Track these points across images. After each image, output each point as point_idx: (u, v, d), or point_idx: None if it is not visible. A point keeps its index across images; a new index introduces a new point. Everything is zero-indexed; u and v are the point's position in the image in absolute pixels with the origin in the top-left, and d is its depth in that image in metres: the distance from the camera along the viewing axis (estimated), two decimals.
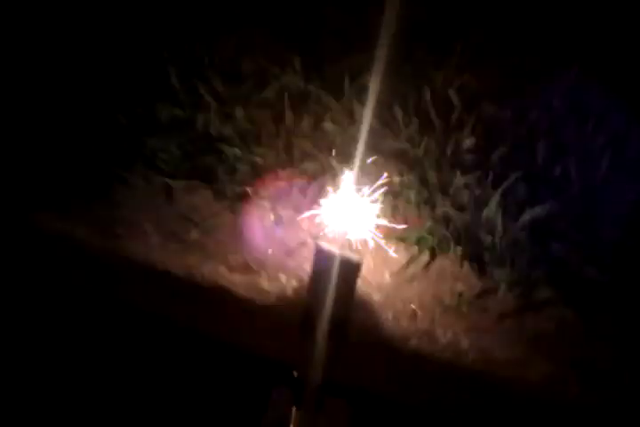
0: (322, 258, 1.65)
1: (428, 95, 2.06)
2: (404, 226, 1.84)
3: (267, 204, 1.93)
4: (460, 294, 1.70)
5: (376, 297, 1.71)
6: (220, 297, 1.74)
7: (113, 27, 2.26)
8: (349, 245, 1.70)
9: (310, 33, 2.22)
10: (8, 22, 2.21)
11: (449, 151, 1.93)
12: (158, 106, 2.10)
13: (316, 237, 1.79)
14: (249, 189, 1.96)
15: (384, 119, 2.01)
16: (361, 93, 2.06)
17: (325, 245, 1.66)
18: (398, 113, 2.01)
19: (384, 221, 1.86)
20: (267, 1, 2.33)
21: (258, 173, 2.00)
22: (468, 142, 1.92)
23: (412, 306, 1.68)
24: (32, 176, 1.95)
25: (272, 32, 2.29)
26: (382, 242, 1.84)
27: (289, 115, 2.07)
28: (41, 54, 2.19)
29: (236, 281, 1.75)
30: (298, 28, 2.23)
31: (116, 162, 1.98)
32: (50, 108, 2.09)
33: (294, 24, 2.25)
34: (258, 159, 2.01)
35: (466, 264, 1.75)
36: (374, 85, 2.06)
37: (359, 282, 1.72)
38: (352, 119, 2.04)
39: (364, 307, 1.69)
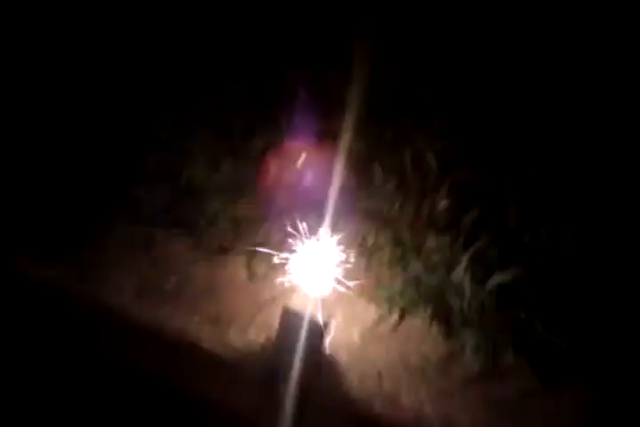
0: (290, 319, 1.68)
1: (407, 157, 2.12)
2: (375, 286, 1.88)
3: (243, 258, 1.96)
4: (427, 357, 1.70)
5: (343, 357, 1.72)
6: (188, 349, 1.75)
7: (105, 77, 2.34)
8: (319, 303, 1.73)
9: (293, 91, 2.30)
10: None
11: (424, 212, 1.97)
12: (146, 155, 2.17)
13: (286, 295, 1.84)
14: (227, 242, 2.00)
15: (362, 178, 2.07)
16: (342, 153, 2.13)
17: (293, 307, 1.69)
18: (377, 172, 2.06)
19: (356, 280, 1.90)
20: (252, 62, 2.42)
21: (237, 226, 2.04)
22: (443, 204, 1.97)
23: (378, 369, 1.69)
24: (14, 220, 1.99)
25: (258, 90, 2.38)
26: (353, 300, 1.87)
27: (272, 170, 2.13)
28: (33, 101, 2.27)
29: (205, 334, 1.76)
30: (281, 88, 2.31)
31: (99, 208, 2.03)
32: (38, 154, 2.16)
33: (276, 83, 2.33)
34: (239, 213, 2.05)
35: (434, 325, 1.77)
36: (355, 146, 2.15)
37: (326, 340, 1.75)
38: (331, 178, 2.09)
39: (331, 367, 1.69)
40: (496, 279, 1.72)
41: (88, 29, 2.42)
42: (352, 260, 1.90)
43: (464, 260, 1.75)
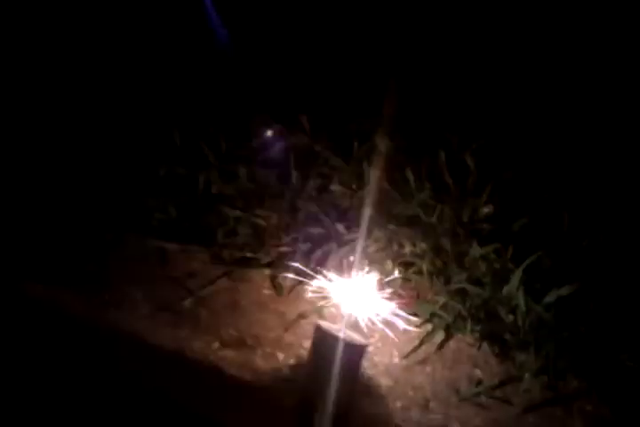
0: (323, 340, 1.49)
1: (442, 158, 1.95)
2: (415, 300, 1.70)
3: (267, 271, 1.79)
4: (479, 382, 1.52)
5: (383, 382, 1.54)
6: (209, 375, 1.58)
7: (118, 85, 2.21)
8: (354, 322, 1.55)
9: (319, 91, 2.14)
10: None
11: (465, 219, 1.79)
12: (159, 164, 2.01)
13: (317, 312, 1.65)
14: (249, 254, 1.83)
15: (396, 183, 1.89)
16: (371, 155, 1.96)
17: (327, 326, 1.50)
18: (410, 176, 1.89)
19: (394, 295, 1.72)
20: (275, 59, 2.29)
21: (259, 237, 1.87)
22: (486, 210, 1.79)
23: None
24: (21, 238, 1.83)
25: (279, 90, 2.23)
26: (391, 318, 1.69)
27: (295, 175, 1.96)
28: (44, 116, 2.14)
29: (228, 358, 1.58)
30: (306, 86, 2.16)
31: (110, 222, 1.87)
32: (47, 167, 2.02)
33: (302, 82, 2.19)
34: (260, 222, 1.88)
35: (484, 346, 1.58)
36: (385, 147, 1.98)
37: (365, 364, 1.57)
38: (361, 182, 1.92)
39: (370, 394, 1.51)
40: (554, 294, 1.53)
41: (101, 44, 2.30)
42: (389, 272, 1.73)
43: (518, 272, 1.57)
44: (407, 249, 1.75)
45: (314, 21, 2.38)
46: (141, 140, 2.08)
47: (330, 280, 1.60)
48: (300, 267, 1.76)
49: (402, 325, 1.64)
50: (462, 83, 2.21)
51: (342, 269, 1.62)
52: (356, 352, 1.49)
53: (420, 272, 1.72)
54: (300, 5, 2.38)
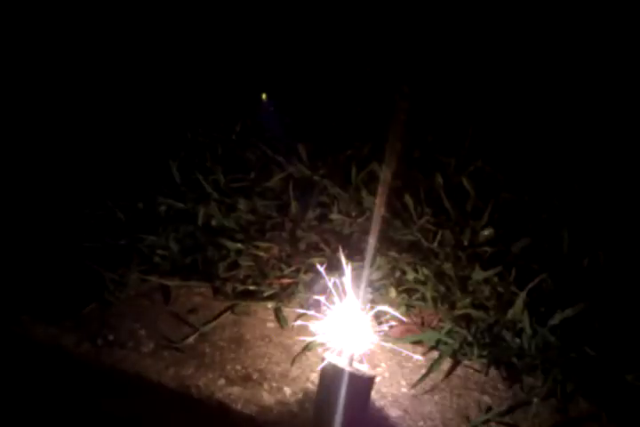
0: (330, 373, 1.48)
1: (440, 182, 1.96)
2: (420, 327, 1.69)
3: (270, 303, 1.78)
4: (489, 409, 1.50)
5: (393, 413, 1.52)
6: (216, 413, 1.56)
7: (114, 119, 2.24)
8: (360, 354, 1.53)
9: (316, 120, 2.16)
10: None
11: (466, 242, 1.79)
12: (158, 199, 2.02)
13: (322, 344, 1.64)
14: (251, 287, 1.82)
15: (395, 209, 1.90)
16: (369, 182, 1.97)
17: (333, 358, 1.49)
18: (409, 202, 1.89)
19: (398, 321, 1.71)
20: (270, 89, 2.32)
21: (261, 269, 1.87)
22: (486, 233, 1.79)
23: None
24: (18, 276, 1.83)
25: (276, 119, 2.25)
26: (396, 346, 1.68)
27: (294, 206, 1.97)
28: (39, 149, 2.16)
29: (234, 394, 1.57)
30: (303, 116, 2.18)
31: (111, 260, 1.87)
32: (45, 205, 2.03)
33: (299, 111, 2.21)
34: (261, 253, 1.88)
35: (492, 371, 1.56)
36: (383, 173, 1.98)
37: (373, 395, 1.55)
38: (360, 209, 1.92)
39: (380, 425, 1.49)
40: (559, 316, 1.52)
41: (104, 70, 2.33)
42: (392, 298, 1.72)
43: (521, 295, 1.56)
44: (410, 276, 1.74)
45: (309, 49, 2.41)
46: (139, 176, 2.10)
47: (334, 311, 1.60)
48: (304, 298, 1.76)
49: (408, 353, 1.63)
50: (456, 105, 2.23)
51: (345, 298, 1.61)
52: (363, 384, 1.48)
53: (423, 298, 1.71)
54: (294, 33, 2.41)
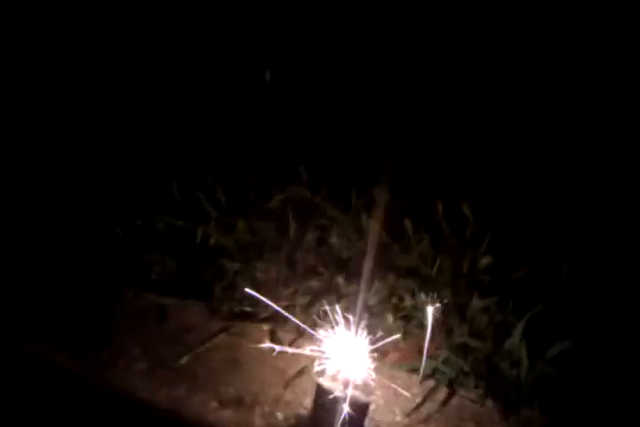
0: (324, 398, 1.46)
1: (440, 208, 1.96)
2: (417, 354, 1.67)
3: (266, 325, 1.76)
4: None
5: None
6: None
7: (116, 138, 2.24)
8: (354, 379, 1.51)
9: (317, 143, 2.18)
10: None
11: (464, 270, 1.78)
12: (158, 217, 2.02)
13: (317, 368, 1.62)
14: (247, 308, 1.81)
15: (394, 233, 1.89)
16: (369, 206, 1.97)
17: (328, 384, 1.47)
18: (409, 227, 1.89)
19: (394, 349, 1.69)
20: (272, 111, 2.33)
21: (258, 290, 1.85)
22: (485, 261, 1.78)
23: None
24: (19, 296, 1.82)
25: (277, 141, 2.26)
26: (393, 373, 1.66)
27: (293, 227, 1.97)
28: (38, 166, 2.16)
29: (226, 418, 1.54)
30: (304, 138, 2.19)
31: (107, 278, 1.85)
32: (44, 217, 2.02)
33: (300, 133, 2.22)
34: (259, 275, 1.87)
35: (488, 402, 1.55)
36: (383, 198, 1.99)
37: (367, 423, 1.53)
38: (360, 233, 1.92)
39: None
40: (558, 347, 1.51)
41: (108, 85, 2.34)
42: (389, 325, 1.71)
43: (519, 325, 1.55)
44: (407, 302, 1.73)
45: (309, 75, 2.43)
46: (139, 193, 2.09)
47: (329, 335, 1.58)
48: (300, 321, 1.75)
49: (404, 380, 1.61)
50: (457, 133, 2.25)
51: (342, 323, 1.60)
52: (358, 411, 1.46)
53: (420, 325, 1.70)
54: (294, 58, 2.44)
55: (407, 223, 1.90)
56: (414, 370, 1.62)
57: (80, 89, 2.36)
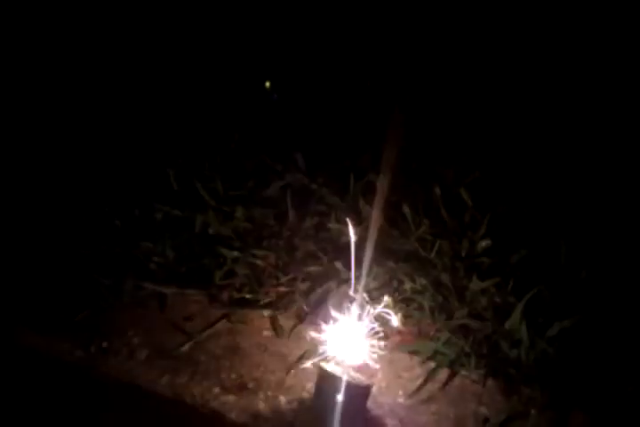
0: (326, 381, 1.47)
1: (438, 193, 1.96)
2: (417, 337, 1.68)
3: (266, 312, 1.77)
4: (486, 420, 1.48)
5: (389, 423, 1.50)
6: (211, 422, 1.54)
7: (112, 127, 2.24)
8: (356, 363, 1.52)
9: (314, 129, 2.17)
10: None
11: (463, 253, 1.79)
12: (155, 206, 2.01)
13: (318, 353, 1.63)
14: (247, 295, 1.81)
15: (393, 219, 1.90)
16: (367, 192, 1.97)
17: (329, 367, 1.48)
18: (407, 212, 1.89)
19: (396, 332, 1.70)
20: (269, 97, 2.33)
21: (257, 277, 1.86)
22: (484, 244, 1.79)
23: None
24: (13, 285, 1.82)
25: (274, 128, 2.25)
26: (394, 355, 1.66)
27: (292, 214, 1.97)
28: (38, 157, 2.15)
29: (229, 403, 1.55)
30: (301, 125, 2.19)
31: (106, 267, 1.85)
32: (42, 210, 2.02)
33: (298, 120, 2.22)
34: (258, 262, 1.87)
35: (490, 382, 1.55)
36: (381, 183, 1.99)
37: (369, 405, 1.54)
38: (358, 219, 1.92)
39: None
40: (557, 327, 1.52)
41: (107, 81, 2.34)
42: (389, 308, 1.71)
43: (519, 306, 1.55)
44: (407, 285, 1.74)
45: (307, 60, 2.43)
46: (137, 183, 2.09)
47: (330, 320, 1.59)
48: (300, 307, 1.75)
49: (405, 363, 1.62)
50: (454, 116, 2.24)
51: (342, 307, 1.60)
52: (360, 393, 1.47)
53: (420, 308, 1.70)
54: (292, 44, 2.43)
55: (406, 208, 1.90)
56: (415, 352, 1.63)
57: (77, 80, 2.35)
